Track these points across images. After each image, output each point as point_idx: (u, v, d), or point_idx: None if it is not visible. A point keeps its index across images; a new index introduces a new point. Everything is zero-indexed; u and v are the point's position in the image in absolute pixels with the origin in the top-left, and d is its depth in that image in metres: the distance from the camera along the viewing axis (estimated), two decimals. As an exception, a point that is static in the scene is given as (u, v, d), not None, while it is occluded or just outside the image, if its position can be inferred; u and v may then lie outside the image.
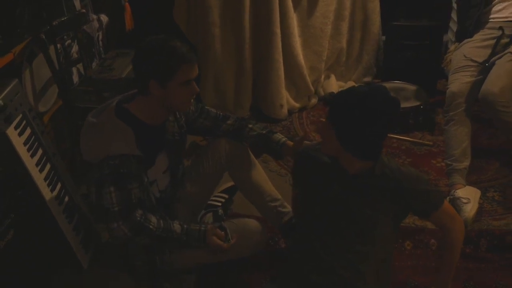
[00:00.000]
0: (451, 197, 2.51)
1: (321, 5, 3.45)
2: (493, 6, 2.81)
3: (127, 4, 3.31)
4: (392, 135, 3.17)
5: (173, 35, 1.89)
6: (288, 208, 2.25)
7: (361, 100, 1.61)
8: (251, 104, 3.53)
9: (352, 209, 1.74)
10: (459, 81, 2.68)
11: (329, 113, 1.68)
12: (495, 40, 2.73)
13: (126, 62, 2.97)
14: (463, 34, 2.91)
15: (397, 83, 3.48)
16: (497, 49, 2.71)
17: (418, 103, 3.26)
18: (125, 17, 3.31)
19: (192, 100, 1.95)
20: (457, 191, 2.52)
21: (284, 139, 2.22)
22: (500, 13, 2.80)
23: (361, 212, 1.73)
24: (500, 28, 2.74)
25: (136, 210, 1.88)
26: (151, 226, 1.91)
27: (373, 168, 1.72)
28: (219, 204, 2.47)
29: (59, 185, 2.25)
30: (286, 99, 3.49)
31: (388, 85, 3.43)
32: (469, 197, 2.49)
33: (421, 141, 3.14)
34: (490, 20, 2.81)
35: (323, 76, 3.70)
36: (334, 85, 3.66)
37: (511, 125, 2.54)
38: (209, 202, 2.43)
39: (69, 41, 2.81)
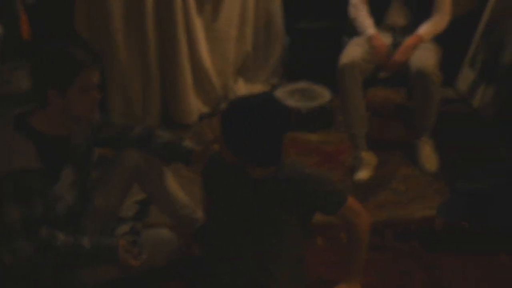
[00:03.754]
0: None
1: (225, 9, 3.47)
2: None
3: (22, 12, 3.18)
4: (300, 135, 3.24)
5: (72, 42, 1.84)
6: (200, 213, 2.24)
7: (249, 117, 1.63)
8: (160, 111, 3.48)
9: (258, 212, 1.76)
10: (351, 54, 2.81)
11: (220, 129, 1.69)
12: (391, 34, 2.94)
13: (25, 74, 2.85)
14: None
15: (303, 84, 3.56)
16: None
17: (323, 102, 3.36)
18: (21, 27, 3.18)
19: (96, 109, 1.91)
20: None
21: (192, 145, 2.21)
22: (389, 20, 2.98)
23: (267, 215, 1.76)
24: (391, 28, 2.92)
25: (40, 227, 1.81)
26: (58, 243, 1.84)
27: (276, 172, 1.75)
28: (131, 215, 2.43)
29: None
30: (196, 105, 3.48)
31: (294, 85, 3.54)
32: (370, 161, 2.80)
33: (328, 139, 3.24)
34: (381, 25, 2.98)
35: (231, 80, 3.72)
36: (242, 88, 3.69)
37: (434, 101, 2.75)
38: (120, 214, 2.37)
39: (-41, 54, 2.65)
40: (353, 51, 2.83)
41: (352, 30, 3.02)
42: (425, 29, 2.84)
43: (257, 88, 3.77)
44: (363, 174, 2.76)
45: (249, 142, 1.64)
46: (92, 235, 1.97)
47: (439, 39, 2.92)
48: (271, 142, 1.68)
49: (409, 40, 2.82)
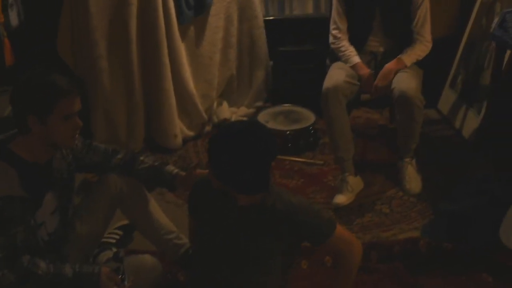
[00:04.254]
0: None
1: (208, 34, 3.51)
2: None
3: (6, 39, 3.18)
4: (284, 157, 3.26)
5: (54, 69, 1.84)
6: (184, 239, 2.23)
7: (236, 144, 1.62)
8: (145, 136, 3.49)
9: (244, 240, 1.75)
10: (334, 78, 2.83)
11: (207, 155, 1.70)
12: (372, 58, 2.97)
13: (7, 101, 2.83)
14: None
15: (287, 106, 3.60)
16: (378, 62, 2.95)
17: (307, 125, 3.38)
18: (4, 53, 3.17)
19: (77, 136, 1.91)
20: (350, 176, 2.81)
21: (176, 170, 2.21)
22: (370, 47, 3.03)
23: (253, 243, 1.75)
24: (371, 53, 2.96)
25: (22, 256, 1.79)
26: (40, 272, 1.81)
27: (264, 200, 1.73)
28: (113, 241, 2.41)
29: None
30: (180, 128, 3.49)
31: (278, 108, 3.58)
32: (354, 187, 2.80)
33: (312, 161, 3.25)
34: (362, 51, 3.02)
35: (215, 103, 3.74)
36: (226, 111, 3.72)
37: (417, 124, 2.77)
38: (103, 240, 2.36)
39: None
40: (335, 75, 2.86)
41: (334, 54, 3.06)
42: (407, 55, 2.88)
43: (242, 111, 3.80)
44: (342, 199, 2.77)
45: (236, 168, 1.63)
46: (74, 262, 1.95)
47: (420, 61, 2.96)
48: (258, 169, 1.67)
49: (390, 64, 2.86)
